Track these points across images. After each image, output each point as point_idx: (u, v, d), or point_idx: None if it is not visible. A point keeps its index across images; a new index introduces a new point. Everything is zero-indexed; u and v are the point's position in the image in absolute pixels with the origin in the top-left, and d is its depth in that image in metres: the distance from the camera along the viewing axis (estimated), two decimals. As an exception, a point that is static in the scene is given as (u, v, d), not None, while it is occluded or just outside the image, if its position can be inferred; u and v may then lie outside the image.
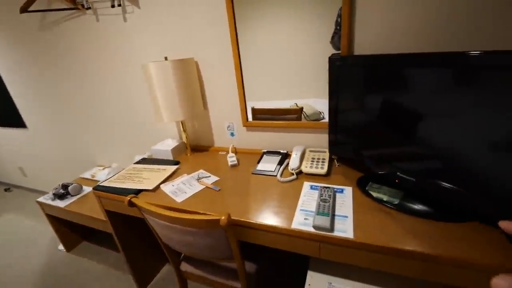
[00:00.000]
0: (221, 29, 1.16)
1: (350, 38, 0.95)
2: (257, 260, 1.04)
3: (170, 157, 1.37)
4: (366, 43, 0.94)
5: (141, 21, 1.32)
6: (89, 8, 1.41)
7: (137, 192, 1.07)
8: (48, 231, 2.07)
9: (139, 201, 0.87)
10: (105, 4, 1.37)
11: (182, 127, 1.35)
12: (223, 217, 0.71)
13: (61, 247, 1.86)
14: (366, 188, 0.86)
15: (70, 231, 1.82)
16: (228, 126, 1.36)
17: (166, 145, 1.41)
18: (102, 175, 1.81)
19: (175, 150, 1.38)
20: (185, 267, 1.09)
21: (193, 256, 0.98)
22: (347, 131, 0.93)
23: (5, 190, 2.90)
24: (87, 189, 1.70)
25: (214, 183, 1.07)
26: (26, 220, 2.28)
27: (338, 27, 0.94)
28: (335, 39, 0.96)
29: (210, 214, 0.82)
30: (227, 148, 1.39)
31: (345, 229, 0.70)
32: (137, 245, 1.42)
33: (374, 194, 0.83)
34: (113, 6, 1.33)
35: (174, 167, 1.24)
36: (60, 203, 1.58)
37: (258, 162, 1.18)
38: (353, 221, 0.73)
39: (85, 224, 1.52)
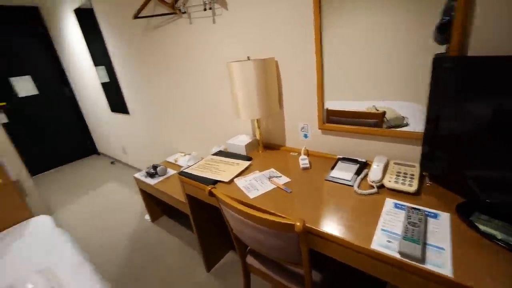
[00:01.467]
0: (305, 27, 1.13)
1: (464, 32, 0.78)
2: (323, 269, 1.00)
3: (243, 152, 1.43)
4: (490, 39, 0.76)
5: (228, 22, 1.40)
6: (185, 12, 1.58)
7: (215, 182, 1.17)
8: (139, 202, 2.48)
9: (218, 192, 0.94)
10: (198, 8, 1.50)
11: (257, 124, 1.40)
12: (298, 223, 0.71)
13: (147, 217, 2.20)
14: (471, 219, 0.71)
15: (156, 205, 2.14)
16: (302, 127, 1.34)
17: (240, 141, 1.48)
18: (183, 161, 2.04)
19: (248, 146, 1.44)
20: (251, 260, 1.14)
21: (261, 253, 1.02)
22: (447, 145, 0.79)
23: (111, 163, 3.60)
24: (171, 171, 1.95)
25: (286, 184, 1.07)
26: (124, 190, 2.79)
27: (446, 17, 0.79)
28: (438, 33, 0.81)
29: (282, 216, 0.83)
30: (298, 149, 1.38)
31: (441, 263, 0.60)
32: (209, 229, 1.56)
33: (482, 228, 0.68)
34: (205, 9, 1.45)
35: (247, 163, 1.30)
36: (150, 181, 1.86)
37: (332, 168, 1.12)
38: (452, 256, 0.62)
39: (167, 202, 1.76)
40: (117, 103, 2.83)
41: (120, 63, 2.42)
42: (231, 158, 1.39)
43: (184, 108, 2.00)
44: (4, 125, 3.12)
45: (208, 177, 1.22)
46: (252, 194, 1.03)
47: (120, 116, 2.95)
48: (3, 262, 1.25)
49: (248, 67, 1.17)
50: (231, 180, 1.17)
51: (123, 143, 3.20)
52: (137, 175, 1.97)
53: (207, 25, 1.52)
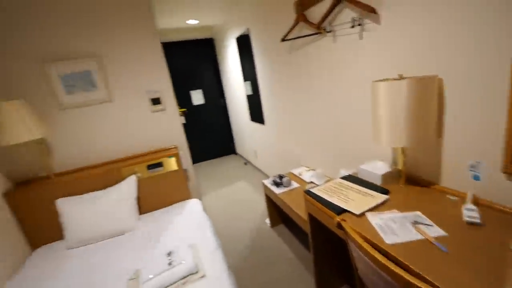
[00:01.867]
0: (491, 37, 0.84)
1: None
2: None
3: (378, 182, 1.26)
4: None
5: (377, 37, 1.28)
6: (330, 31, 1.58)
7: (343, 211, 1.08)
8: (263, 204, 2.73)
9: (348, 226, 0.86)
10: (345, 26, 1.46)
11: (401, 152, 1.18)
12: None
13: (267, 221, 2.38)
14: None
15: (276, 212, 2.27)
16: (473, 165, 1.01)
17: (376, 168, 1.31)
18: (307, 176, 2.06)
19: (386, 177, 1.25)
20: (374, 312, 0.97)
21: (390, 310, 0.84)
22: None
23: (244, 163, 4.18)
24: (295, 184, 2.01)
25: (439, 238, 0.83)
26: (252, 190, 3.15)
27: None
28: None
29: (435, 286, 0.64)
30: (460, 193, 1.05)
31: None
32: (327, 254, 1.48)
33: None
34: (352, 26, 1.39)
35: (383, 197, 1.12)
36: (275, 189, 1.99)
37: (526, 234, 0.77)
38: None
39: (288, 214, 1.81)
40: (255, 113, 3.25)
41: (264, 79, 2.75)
42: (363, 186, 1.25)
43: (316, 124, 2.01)
44: (183, 125, 4.33)
45: (335, 203, 1.14)
46: (389, 239, 0.87)
47: (256, 125, 3.37)
48: (170, 228, 1.70)
49: (398, 86, 1.01)
50: (363, 214, 1.04)
51: (256, 148, 3.64)
52: (265, 181, 2.16)
53: (352, 43, 1.45)
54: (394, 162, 1.37)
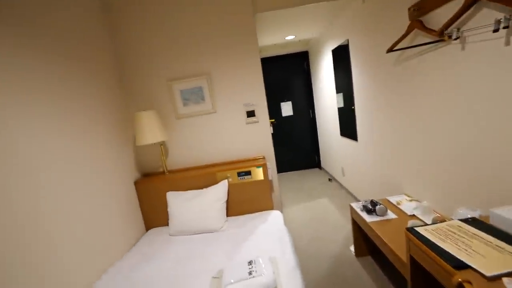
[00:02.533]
0: None
1: None
2: None
3: (525, 237, 0.92)
4: None
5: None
6: (457, 38, 1.30)
7: (463, 266, 0.84)
8: (348, 228, 2.49)
9: (475, 293, 0.65)
10: (483, 29, 1.17)
11: None
12: None
13: (352, 248, 2.14)
14: None
15: (364, 241, 2.02)
16: None
17: (522, 217, 0.96)
18: (407, 207, 1.74)
19: (540, 232, 0.90)
20: None
21: None
22: None
23: (329, 179, 3.95)
24: (391, 214, 1.73)
25: None
26: (336, 210, 2.93)
27: None
28: None
29: None
30: None
31: None
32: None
33: None
34: (496, 30, 1.09)
35: (534, 261, 0.81)
36: (366, 217, 1.77)
37: None
38: None
39: (380, 248, 1.58)
40: (347, 128, 3.03)
41: (360, 92, 2.54)
42: (499, 238, 0.94)
43: (428, 145, 1.69)
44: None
45: (452, 253, 0.90)
46: (546, 327, 0.61)
47: (347, 140, 3.13)
48: (253, 236, 1.76)
49: None
50: (497, 277, 0.78)
51: (343, 165, 3.38)
52: (353, 205, 1.96)
53: (491, 50, 1.15)
54: (556, 213, 0.97)
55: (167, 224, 2.13)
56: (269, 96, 4.38)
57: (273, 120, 4.44)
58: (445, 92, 1.45)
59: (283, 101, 4.43)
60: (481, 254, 0.88)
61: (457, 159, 1.43)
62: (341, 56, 2.88)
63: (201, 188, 2.12)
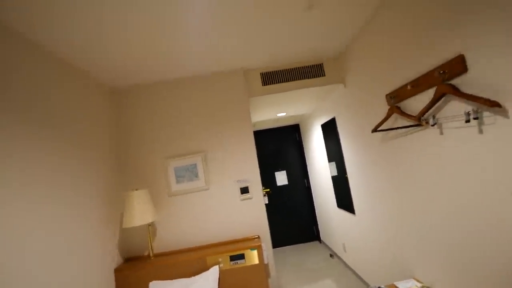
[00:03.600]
0: None
1: None
2: None
3: None
4: None
5: (505, 132, 1.03)
6: (435, 124, 1.40)
7: None
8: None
9: None
10: (455, 119, 1.28)
11: None
12: None
13: None
14: None
15: None
16: None
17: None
18: (420, 297, 1.55)
19: None
20: None
21: None
22: None
23: (330, 255, 3.65)
24: (404, 308, 1.53)
25: None
26: (340, 295, 2.60)
27: None
28: None
29: None
30: None
31: None
32: None
33: None
34: (467, 121, 1.19)
35: None
36: (376, 311, 1.55)
37: None
38: None
39: None
40: (343, 200, 2.97)
41: (352, 162, 2.59)
42: None
43: (435, 222, 1.62)
44: (265, 206, 4.37)
45: None
46: None
47: (345, 213, 3.02)
48: None
49: None
50: None
51: (344, 241, 3.17)
52: (360, 294, 1.75)
53: (467, 137, 1.22)
54: None
55: (147, 324, 1.82)
56: (264, 166, 4.47)
57: (268, 189, 4.38)
58: (433, 174, 1.48)
59: (278, 170, 4.47)
60: None
61: (465, 243, 1.36)
62: (330, 130, 3.06)
63: (189, 275, 1.90)
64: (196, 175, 2.20)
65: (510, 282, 1.14)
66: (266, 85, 2.42)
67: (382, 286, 1.70)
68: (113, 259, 1.94)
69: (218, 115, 2.30)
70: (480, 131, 1.17)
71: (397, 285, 1.77)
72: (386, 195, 2.04)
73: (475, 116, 1.16)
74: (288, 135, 4.57)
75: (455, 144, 1.30)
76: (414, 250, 1.79)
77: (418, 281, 1.77)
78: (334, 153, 3.04)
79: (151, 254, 2.05)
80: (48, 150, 1.47)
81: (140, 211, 1.90)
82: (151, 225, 2.15)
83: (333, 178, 3.22)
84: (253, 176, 2.26)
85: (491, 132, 1.11)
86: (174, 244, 2.17)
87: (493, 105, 1.05)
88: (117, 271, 1.92)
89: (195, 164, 2.21)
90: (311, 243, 4.34)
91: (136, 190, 1.96)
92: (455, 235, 1.40)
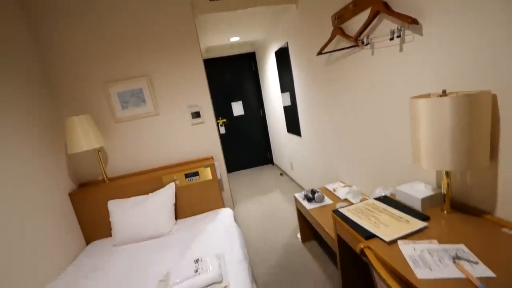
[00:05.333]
0: None
1: None
2: None
3: (418, 207, 1.14)
4: None
5: (419, 49, 1.19)
6: (368, 44, 1.51)
7: (371, 236, 1.01)
8: (296, 218, 2.67)
9: (372, 255, 0.80)
10: (384, 37, 1.39)
11: (446, 175, 1.06)
12: None
13: (299, 236, 2.31)
14: None
15: (308, 227, 2.20)
16: (535, 197, 0.85)
17: (416, 191, 1.19)
18: (341, 192, 1.96)
19: (427, 201, 1.13)
20: None
21: None
22: None
23: (280, 174, 4.16)
24: (328, 200, 1.93)
25: (483, 280, 0.72)
26: (286, 203, 3.11)
27: None
28: None
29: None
30: (521, 228, 0.89)
31: None
32: (355, 276, 1.38)
33: None
34: (391, 38, 1.31)
35: (421, 224, 1.01)
36: (307, 204, 1.93)
37: None
38: None
39: (317, 231, 1.75)
40: (292, 125, 3.23)
41: (301, 91, 2.74)
42: (399, 210, 1.15)
43: (354, 138, 1.92)
44: (222, 135, 4.52)
45: (364, 226, 1.07)
46: (421, 273, 0.78)
47: (293, 137, 3.34)
48: (202, 236, 1.78)
49: (441, 105, 0.92)
50: (393, 241, 0.96)
51: (292, 160, 3.60)
52: (297, 195, 2.12)
53: (391, 55, 1.37)
54: (438, 185, 1.22)
55: (110, 235, 2.00)
56: (220, 96, 4.43)
57: (225, 120, 4.47)
58: (362, 92, 1.67)
59: (234, 101, 4.49)
60: (385, 225, 1.06)
61: (376, 149, 1.67)
62: (283, 58, 3.06)
63: (147, 193, 2.05)
64: (143, 101, 2.13)
65: (394, 174, 1.50)
66: (214, 0, 2.19)
67: (314, 188, 2.07)
68: (65, 185, 1.95)
69: (161, 35, 2.10)
70: (401, 49, 1.31)
71: (327, 187, 2.18)
72: (326, 115, 2.28)
73: (398, 34, 1.29)
74: (245, 64, 4.44)
75: (381, 62, 1.46)
76: (341, 160, 2.15)
77: (342, 182, 2.19)
78: (286, 83, 3.13)
79: (105, 179, 2.11)
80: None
81: (85, 137, 1.84)
82: (100, 150, 2.13)
83: (285, 108, 3.40)
84: (204, 101, 2.27)
85: (409, 50, 1.26)
86: (128, 168, 2.23)
87: (412, 22, 1.16)
88: (71, 195, 1.96)
89: (141, 89, 2.11)
90: (265, 166, 4.82)
91: (77, 116, 1.85)
92: (372, 145, 1.71)
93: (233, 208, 2.53)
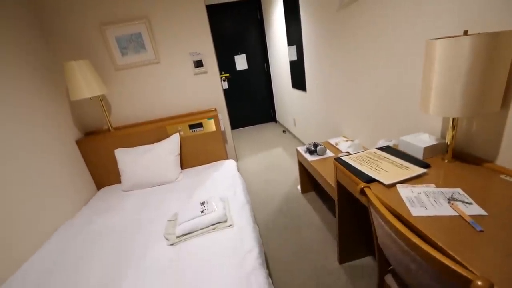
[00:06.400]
0: None
1: None
2: None
3: (420, 156, 1.15)
4: None
5: (446, -16, 1.07)
6: (387, -20, 1.36)
7: (371, 180, 1.04)
8: (296, 172, 2.75)
9: (371, 193, 0.83)
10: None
11: (452, 123, 1.05)
12: (480, 282, 0.49)
13: (299, 187, 2.41)
14: None
15: (308, 179, 2.28)
16: (541, 143, 0.85)
17: (419, 140, 1.19)
18: (343, 146, 1.98)
19: (429, 150, 1.13)
20: (389, 280, 0.96)
21: (405, 280, 0.83)
22: None
23: (283, 131, 4.17)
24: (329, 153, 1.96)
25: (475, 217, 0.76)
26: (287, 157, 3.18)
27: None
28: None
29: (455, 259, 0.61)
30: (520, 174, 0.91)
31: None
32: (353, 223, 1.47)
33: None
34: (415, -28, 1.17)
35: (420, 170, 1.03)
36: (308, 157, 1.97)
37: None
38: None
39: (318, 181, 1.81)
40: (298, 80, 3.13)
41: (309, 43, 2.58)
42: (400, 158, 1.16)
43: (361, 90, 1.86)
44: (224, 90, 4.41)
45: (365, 172, 1.10)
46: (416, 211, 0.82)
47: (298, 92, 3.26)
48: (206, 183, 1.86)
49: (460, 45, 0.85)
50: (393, 185, 0.99)
51: (295, 116, 3.57)
52: (299, 148, 2.15)
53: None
54: (443, 136, 1.22)
55: (119, 182, 2.10)
56: (222, 49, 4.21)
57: (227, 74, 4.32)
58: (371, 37, 1.56)
59: (237, 54, 4.28)
60: (385, 171, 1.08)
61: (380, 100, 1.63)
62: (292, 6, 2.81)
63: (152, 143, 2.09)
64: (143, 47, 2.03)
65: (397, 126, 1.48)
66: None
67: (316, 142, 2.08)
68: (72, 132, 1.98)
69: (158, -31, 1.90)
70: (423, -13, 1.18)
71: (329, 141, 2.20)
72: (333, 68, 2.18)
73: (423, -33, 1.14)
74: (249, 13, 4.11)
75: (397, 1, 1.33)
76: (344, 114, 2.12)
77: (345, 136, 2.20)
78: (294, 35, 2.92)
79: (110, 128, 2.13)
80: None
81: (86, 83, 1.80)
82: (103, 99, 2.11)
83: (291, 62, 3.24)
84: (206, 49, 2.16)
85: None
86: (132, 118, 2.24)
87: (441, -50, 1.02)
88: (78, 142, 2.01)
89: (140, 33, 1.99)
90: (268, 123, 4.81)
91: (75, 60, 1.79)
92: (378, 97, 1.66)
93: (236, 161, 2.60)
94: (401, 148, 1.27)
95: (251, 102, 4.64)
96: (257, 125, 4.81)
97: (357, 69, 1.83)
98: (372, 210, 0.86)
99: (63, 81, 1.96)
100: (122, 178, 1.96)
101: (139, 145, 2.07)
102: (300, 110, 3.32)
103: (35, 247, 1.41)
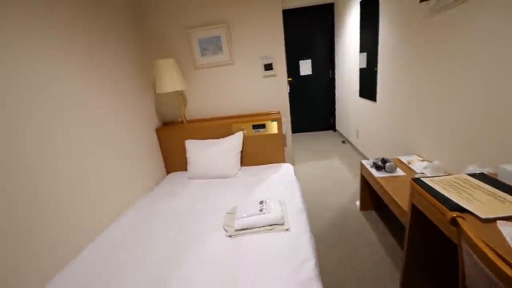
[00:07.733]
0: None
1: None
2: None
3: (529, 190, 0.95)
4: None
5: None
6: (504, -19, 1.17)
7: (460, 210, 0.90)
8: (355, 185, 2.59)
9: (466, 225, 0.72)
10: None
11: None
12: None
13: (358, 203, 2.26)
14: None
15: (369, 196, 2.12)
16: None
17: (530, 172, 0.98)
18: (418, 166, 1.77)
19: (544, 185, 0.93)
20: (477, 332, 0.82)
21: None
22: None
23: (342, 142, 3.97)
24: (400, 172, 1.78)
25: None
26: (346, 168, 3.02)
27: None
28: None
29: None
30: None
31: None
32: (422, 253, 1.31)
33: None
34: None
35: (531, 208, 0.85)
36: (375, 172, 1.83)
37: None
38: None
39: (384, 200, 1.66)
40: (367, 89, 2.93)
41: (385, 50, 2.40)
42: (500, 189, 0.98)
43: (443, 106, 1.64)
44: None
45: (452, 199, 0.96)
46: (526, 256, 0.68)
47: (365, 102, 3.06)
48: (264, 183, 1.89)
49: None
50: (491, 220, 0.84)
51: (359, 127, 3.36)
52: (364, 162, 2.02)
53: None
54: None
55: (185, 169, 2.31)
56: (288, 53, 4.23)
57: (291, 78, 4.33)
58: (474, 50, 1.35)
59: (302, 59, 4.26)
60: (480, 201, 0.93)
61: (469, 118, 1.40)
62: (370, 9, 2.66)
63: (218, 138, 2.23)
64: (220, 49, 2.18)
65: (491, 152, 1.24)
66: None
67: (385, 157, 1.92)
68: (153, 121, 2.26)
69: (243, -23, 2.02)
70: (557, -12, 0.97)
71: (400, 158, 2.00)
72: (413, 80, 1.97)
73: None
74: (320, 18, 4.05)
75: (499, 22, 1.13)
76: (420, 131, 1.89)
77: (419, 156, 1.97)
78: (368, 41, 2.76)
79: (184, 120, 2.35)
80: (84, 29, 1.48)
81: (170, 78, 2.04)
82: (181, 94, 2.35)
83: (361, 70, 3.06)
84: (277, 53, 2.21)
85: None
86: (203, 113, 2.43)
87: None
88: (157, 130, 2.28)
89: (219, 37, 2.15)
90: (327, 131, 4.65)
91: (162, 59, 2.04)
92: (467, 114, 1.43)
93: (293, 165, 2.58)
94: (501, 178, 1.07)
95: (311, 108, 4.55)
96: (315, 132, 4.70)
97: (449, 85, 1.61)
98: (464, 245, 0.74)
99: (151, 76, 2.25)
100: (188, 166, 2.15)
101: (206, 139, 2.24)
102: (365, 121, 3.11)
103: (110, 220, 1.62)
